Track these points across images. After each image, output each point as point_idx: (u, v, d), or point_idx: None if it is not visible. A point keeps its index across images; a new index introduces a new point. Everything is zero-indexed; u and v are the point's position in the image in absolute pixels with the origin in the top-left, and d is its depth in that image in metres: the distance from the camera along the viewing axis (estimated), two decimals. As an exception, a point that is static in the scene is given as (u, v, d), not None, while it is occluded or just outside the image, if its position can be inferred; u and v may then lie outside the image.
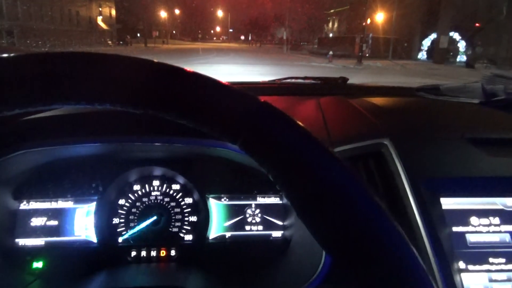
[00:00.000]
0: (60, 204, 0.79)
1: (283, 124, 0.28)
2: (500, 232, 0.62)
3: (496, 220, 0.63)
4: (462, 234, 0.61)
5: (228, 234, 0.82)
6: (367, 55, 25.65)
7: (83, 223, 0.79)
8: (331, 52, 21.93)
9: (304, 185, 0.26)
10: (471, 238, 0.61)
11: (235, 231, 0.83)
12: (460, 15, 23.70)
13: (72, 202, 0.79)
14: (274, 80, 1.39)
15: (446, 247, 0.59)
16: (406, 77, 12.99)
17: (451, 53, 25.81)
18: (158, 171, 0.82)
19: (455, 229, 0.61)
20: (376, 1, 28.09)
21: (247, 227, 0.83)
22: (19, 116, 0.70)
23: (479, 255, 0.60)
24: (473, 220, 0.62)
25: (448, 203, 0.63)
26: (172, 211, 0.82)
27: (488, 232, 0.62)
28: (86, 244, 0.78)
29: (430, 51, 26.97)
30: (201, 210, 0.81)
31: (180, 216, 0.82)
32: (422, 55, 27.82)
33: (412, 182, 0.62)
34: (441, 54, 24.48)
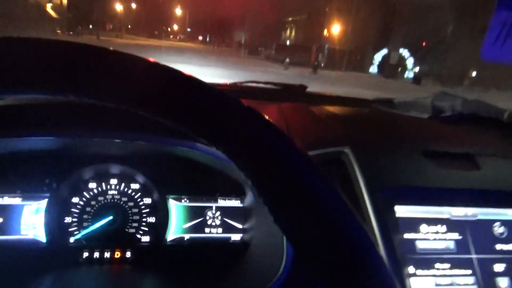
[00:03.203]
0: (6, 200, 0.73)
1: (258, 122, 0.31)
2: (445, 239, 0.67)
3: (443, 228, 0.67)
4: (413, 241, 0.65)
5: (186, 236, 0.81)
6: (322, 64, 26.34)
7: (31, 221, 0.74)
8: (287, 60, 22.29)
9: (275, 180, 0.29)
10: (420, 244, 0.65)
11: (194, 233, 0.82)
12: (409, 34, 25.04)
13: (20, 199, 0.74)
14: (235, 83, 1.39)
15: (398, 252, 0.62)
16: (359, 89, 13.50)
17: (400, 69, 27.18)
18: (116, 169, 0.79)
19: (406, 235, 0.65)
20: (333, 13, 28.97)
21: (207, 230, 0.83)
22: None
23: (427, 260, 0.64)
24: (423, 227, 0.66)
25: (401, 210, 0.66)
26: (129, 211, 0.79)
27: (435, 239, 0.66)
28: (33, 243, 0.74)
29: (381, 65, 28.24)
30: (160, 211, 0.80)
31: (137, 217, 0.80)
32: (374, 68, 29.06)
33: (370, 190, 0.65)
34: (391, 69, 25.73)
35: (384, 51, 27.59)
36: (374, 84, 17.22)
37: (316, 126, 0.87)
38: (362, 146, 0.72)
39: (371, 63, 29.11)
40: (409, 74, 26.38)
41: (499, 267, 0.66)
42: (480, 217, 0.69)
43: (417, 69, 25.31)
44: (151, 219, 0.80)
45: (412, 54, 26.13)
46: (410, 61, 26.70)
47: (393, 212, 0.65)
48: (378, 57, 28.65)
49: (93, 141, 0.73)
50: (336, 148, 0.72)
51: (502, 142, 0.91)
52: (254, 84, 1.42)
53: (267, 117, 0.31)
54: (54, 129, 0.67)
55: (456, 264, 0.65)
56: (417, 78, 22.76)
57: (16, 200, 0.74)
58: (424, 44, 25.71)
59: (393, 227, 0.64)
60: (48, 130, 0.67)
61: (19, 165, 0.74)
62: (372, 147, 0.74)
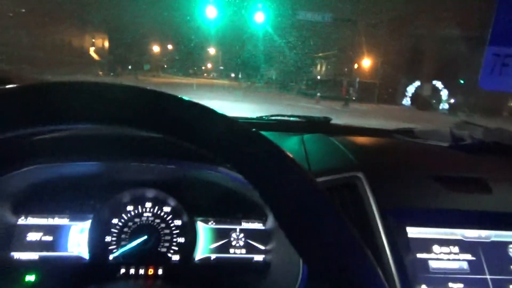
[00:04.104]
0: (57, 220, 0.83)
1: (276, 153, 0.36)
2: (459, 260, 0.69)
3: (456, 249, 0.70)
4: (425, 261, 0.68)
5: (213, 256, 0.87)
6: (353, 98, 26.28)
7: (76, 239, 0.83)
8: (318, 94, 22.42)
9: (288, 206, 0.34)
10: (433, 264, 0.68)
11: (220, 253, 0.88)
12: (442, 65, 24.76)
13: (68, 219, 0.84)
14: (262, 117, 1.47)
15: (410, 272, 0.65)
16: (390, 121, 13.30)
17: (434, 101, 26.66)
18: (151, 193, 0.88)
19: (419, 255, 0.68)
20: (363, 47, 29.17)
21: (231, 250, 0.88)
22: (29, 136, 0.76)
23: (440, 280, 0.67)
24: (435, 248, 0.69)
25: (413, 231, 0.70)
26: (161, 232, 0.87)
27: (448, 259, 0.69)
28: (78, 260, 0.83)
29: (414, 97, 27.84)
30: (189, 232, 0.87)
31: (169, 237, 0.87)
32: (406, 101, 28.66)
33: (381, 212, 0.70)
34: (424, 101, 25.31)
35: (417, 83, 27.32)
36: (407, 117, 16.90)
37: (334, 154, 0.93)
38: (375, 171, 0.77)
39: (403, 95, 28.80)
40: (443, 105, 25.87)
41: None
42: (494, 239, 0.72)
43: (452, 100, 24.81)
44: (181, 240, 0.87)
45: (446, 85, 25.72)
46: (444, 92, 26.23)
47: (405, 233, 0.69)
48: (410, 89, 28.35)
49: (131, 167, 0.82)
50: (350, 173, 0.77)
51: None
52: (279, 118, 1.49)
53: (279, 147, 0.36)
54: (96, 155, 0.77)
55: (470, 284, 0.67)
56: (452, 109, 22.28)
57: (64, 221, 0.84)
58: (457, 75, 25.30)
59: (404, 247, 0.67)
60: (92, 156, 0.77)
61: (67, 189, 0.84)
62: (384, 172, 0.78)
